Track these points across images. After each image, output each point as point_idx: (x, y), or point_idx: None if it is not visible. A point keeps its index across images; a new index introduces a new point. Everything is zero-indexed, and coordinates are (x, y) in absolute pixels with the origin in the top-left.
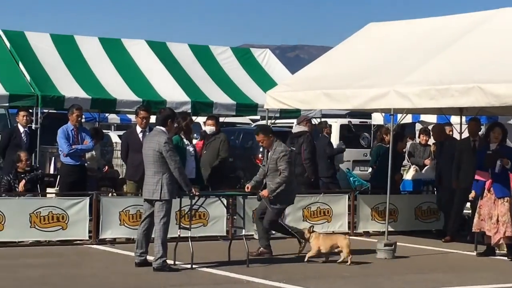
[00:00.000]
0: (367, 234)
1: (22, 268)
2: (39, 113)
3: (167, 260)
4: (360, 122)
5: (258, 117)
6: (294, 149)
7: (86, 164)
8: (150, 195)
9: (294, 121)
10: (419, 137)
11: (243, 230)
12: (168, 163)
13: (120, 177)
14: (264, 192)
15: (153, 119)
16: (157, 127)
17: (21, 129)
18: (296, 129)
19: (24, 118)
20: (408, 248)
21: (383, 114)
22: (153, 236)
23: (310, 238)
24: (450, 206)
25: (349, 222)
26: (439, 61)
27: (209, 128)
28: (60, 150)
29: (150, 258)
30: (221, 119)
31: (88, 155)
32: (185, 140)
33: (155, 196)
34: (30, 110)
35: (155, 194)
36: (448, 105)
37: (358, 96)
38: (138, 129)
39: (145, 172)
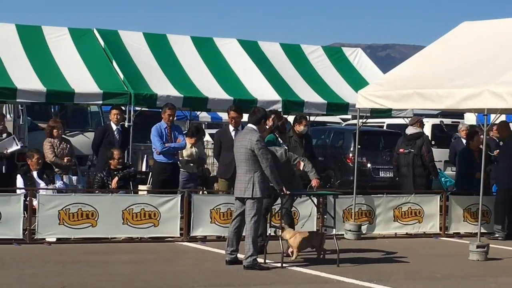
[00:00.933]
0: (458, 235)
1: (114, 264)
2: (132, 111)
3: (258, 259)
4: (452, 122)
5: (349, 116)
6: (413, 150)
7: (180, 161)
8: (241, 193)
9: (386, 120)
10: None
11: (334, 229)
12: (260, 161)
13: (211, 175)
14: (315, 182)
15: (245, 117)
16: (249, 125)
17: (114, 127)
18: (410, 130)
19: (115, 116)
20: (502, 250)
21: (476, 114)
22: (243, 234)
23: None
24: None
25: (440, 223)
26: None
27: (303, 129)
28: (154, 148)
29: (240, 256)
30: (312, 118)
31: (185, 152)
32: (279, 139)
33: (247, 194)
34: (123, 108)
35: (247, 192)
36: None
37: (451, 95)
38: (231, 127)
39: (237, 171)
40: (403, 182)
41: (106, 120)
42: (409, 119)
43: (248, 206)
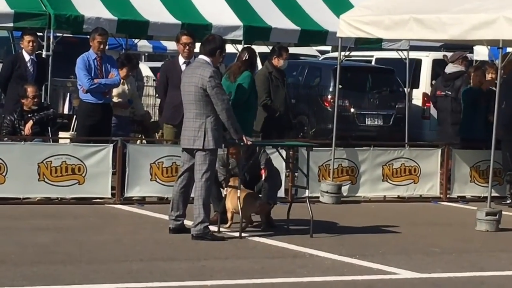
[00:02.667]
0: (463, 200)
1: (27, 232)
2: (51, 37)
3: (210, 226)
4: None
5: (328, 47)
6: (451, 93)
7: (112, 102)
8: (190, 144)
9: (374, 54)
10: None
11: (307, 190)
12: (214, 103)
13: (152, 120)
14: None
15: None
16: (201, 56)
17: (27, 57)
18: (450, 68)
19: (29, 43)
20: None
21: (489, 47)
22: (192, 195)
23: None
24: None
25: (441, 184)
26: None
27: (283, 63)
28: (79, 85)
29: (188, 222)
30: None
31: (115, 90)
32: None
33: (197, 145)
34: (40, 34)
35: (197, 142)
36: None
37: (458, 23)
38: (181, 59)
39: (185, 115)
40: (441, 132)
41: (18, 49)
42: (406, 51)
43: (199, 159)
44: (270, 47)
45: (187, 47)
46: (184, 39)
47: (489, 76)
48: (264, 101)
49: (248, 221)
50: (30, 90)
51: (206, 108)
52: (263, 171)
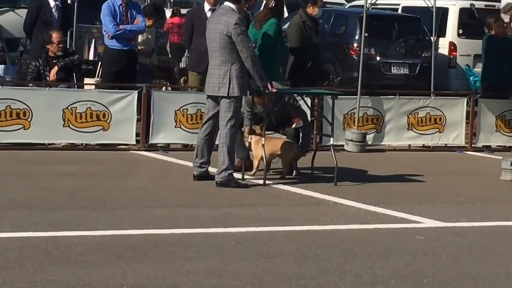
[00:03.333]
0: (489, 149)
1: (52, 177)
2: None
3: (234, 174)
4: (485, 6)
5: None
6: None
7: (136, 49)
8: (215, 91)
9: (401, 1)
10: None
11: (331, 139)
12: (239, 50)
13: (177, 67)
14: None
15: None
16: (226, 3)
17: (52, 2)
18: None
19: None
20: None
21: None
22: (217, 142)
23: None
24: None
25: (466, 134)
26: None
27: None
28: (104, 31)
29: (212, 170)
30: None
31: (140, 37)
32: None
33: (222, 92)
34: None
35: (222, 89)
36: None
37: None
38: (206, 6)
39: (209, 62)
40: None
41: None
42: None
43: (223, 106)
44: None
45: None
46: None
47: None
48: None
49: (286, 168)
50: (55, 36)
51: (232, 55)
52: (296, 119)
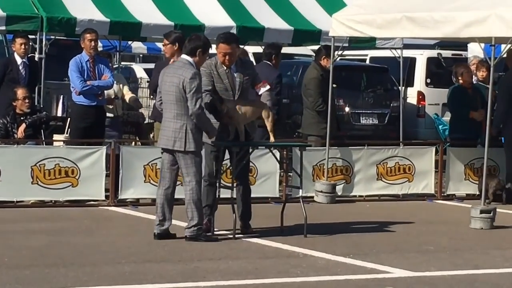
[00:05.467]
0: (458, 198)
1: (20, 235)
2: (44, 40)
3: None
4: (452, 54)
5: None
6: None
7: (104, 105)
8: (170, 144)
9: (368, 52)
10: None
11: (300, 190)
12: (189, 103)
13: (146, 121)
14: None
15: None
16: (183, 56)
17: (19, 60)
18: None
19: (22, 46)
20: (511, 216)
21: (483, 44)
22: (180, 196)
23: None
24: None
25: (436, 183)
26: None
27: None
28: (72, 87)
29: (180, 223)
30: None
31: (110, 91)
32: None
33: (177, 146)
34: (33, 36)
35: (177, 143)
36: None
37: (451, 21)
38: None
39: (164, 114)
40: None
41: (11, 51)
42: (399, 50)
43: (183, 163)
44: (263, 47)
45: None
46: (164, 43)
47: (480, 74)
48: (320, 106)
49: None
50: (20, 92)
51: (187, 109)
52: (261, 84)
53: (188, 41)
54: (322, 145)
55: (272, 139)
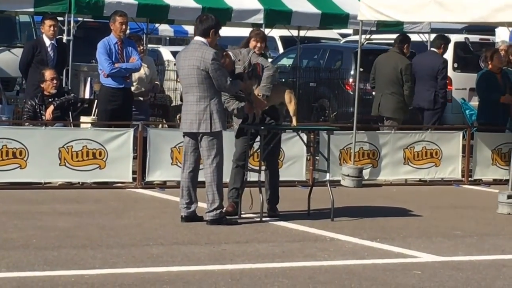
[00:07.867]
0: (485, 183)
1: (48, 216)
2: (72, 22)
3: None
4: (480, 39)
5: (349, 31)
6: None
7: (132, 87)
8: (194, 127)
9: (394, 36)
10: None
11: (328, 174)
12: (217, 85)
13: (173, 104)
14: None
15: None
16: (197, 38)
17: (47, 42)
18: None
19: (50, 28)
20: None
21: (510, 29)
22: (202, 179)
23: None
24: None
25: (463, 167)
26: None
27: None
28: (100, 69)
29: (202, 205)
30: (302, 33)
31: (136, 75)
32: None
33: (203, 128)
34: (61, 18)
35: (203, 125)
36: None
37: (479, 5)
38: None
39: (184, 99)
40: None
41: (39, 33)
42: (427, 34)
43: (206, 144)
44: (291, 31)
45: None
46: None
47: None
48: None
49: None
50: (47, 74)
51: (210, 91)
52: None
53: (200, 22)
54: (399, 129)
55: (294, 122)
